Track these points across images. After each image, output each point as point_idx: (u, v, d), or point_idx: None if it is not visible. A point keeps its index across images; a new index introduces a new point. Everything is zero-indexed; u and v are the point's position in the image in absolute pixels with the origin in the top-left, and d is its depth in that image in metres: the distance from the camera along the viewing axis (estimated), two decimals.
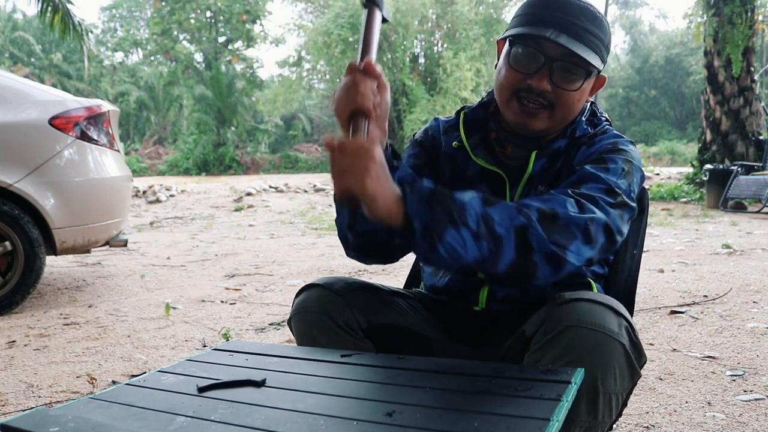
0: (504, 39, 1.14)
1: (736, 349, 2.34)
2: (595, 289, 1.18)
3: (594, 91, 1.18)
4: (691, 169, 10.47)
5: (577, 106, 1.12)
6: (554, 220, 0.93)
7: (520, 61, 1.10)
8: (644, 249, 1.62)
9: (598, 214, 0.96)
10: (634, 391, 1.95)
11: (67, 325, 2.98)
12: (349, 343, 1.10)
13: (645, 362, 1.00)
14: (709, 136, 9.81)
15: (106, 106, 3.65)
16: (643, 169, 1.14)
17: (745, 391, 1.92)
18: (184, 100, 26.18)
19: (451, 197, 0.89)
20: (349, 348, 1.07)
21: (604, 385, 0.92)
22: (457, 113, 1.26)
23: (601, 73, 1.16)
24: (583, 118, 1.18)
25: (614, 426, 1.53)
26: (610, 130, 1.17)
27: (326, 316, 1.10)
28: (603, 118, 1.21)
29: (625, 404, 1.01)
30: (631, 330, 0.97)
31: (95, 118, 3.50)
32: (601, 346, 0.91)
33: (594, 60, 1.07)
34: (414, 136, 1.31)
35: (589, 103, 1.21)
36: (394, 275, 3.98)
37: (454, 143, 1.23)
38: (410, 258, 1.46)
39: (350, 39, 20.56)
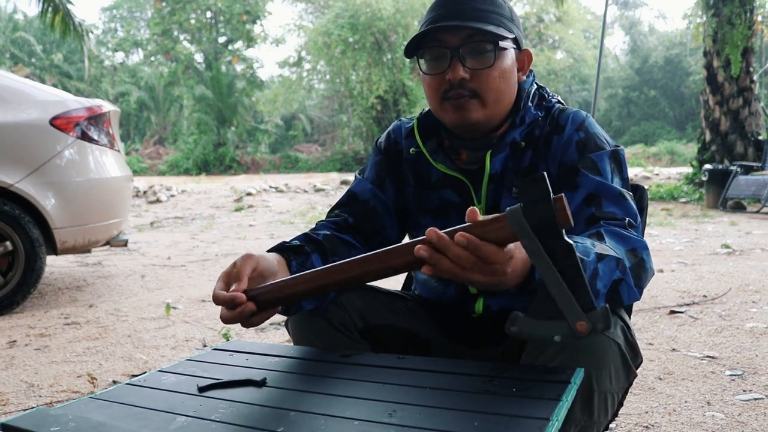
0: (413, 56, 1.15)
1: (736, 349, 2.34)
2: None
3: (524, 69, 1.17)
4: (690, 169, 10.46)
5: (504, 85, 1.10)
6: (641, 266, 0.96)
7: (431, 66, 1.11)
8: None
9: (643, 240, 0.99)
10: (633, 391, 1.96)
11: (68, 324, 2.98)
12: (345, 344, 1.10)
13: (641, 362, 1.00)
14: (708, 137, 9.81)
15: (106, 106, 3.66)
16: (608, 135, 1.16)
17: (744, 390, 1.92)
18: (184, 101, 26.17)
19: (583, 261, 0.86)
20: (344, 349, 1.07)
21: (599, 384, 0.92)
22: (418, 117, 1.26)
23: (524, 48, 1.16)
24: (531, 103, 1.16)
25: (611, 426, 1.52)
26: (566, 110, 1.16)
27: (321, 317, 1.10)
28: (554, 100, 1.20)
29: (621, 404, 1.01)
30: (626, 329, 0.97)
31: (96, 119, 3.50)
32: (596, 345, 0.91)
33: (496, 30, 1.07)
34: (378, 140, 1.30)
35: (535, 87, 1.19)
36: None
37: (411, 149, 1.22)
38: None
39: (350, 39, 20.57)
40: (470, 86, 1.08)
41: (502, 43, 1.08)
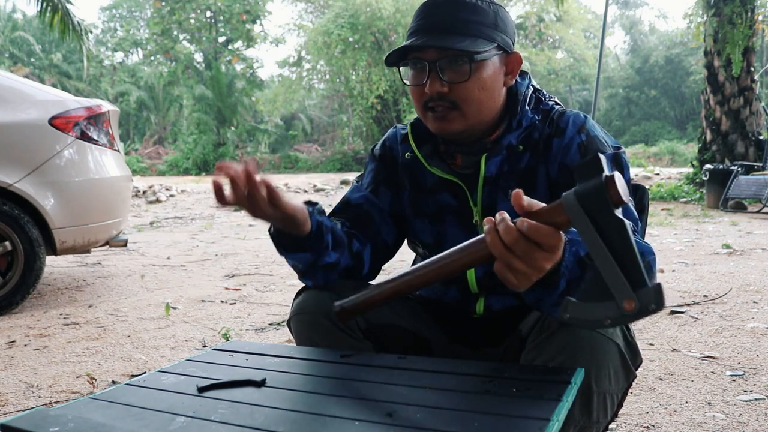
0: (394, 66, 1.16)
1: (736, 349, 2.34)
2: None
3: (513, 73, 1.15)
4: (691, 169, 10.45)
5: (484, 95, 1.10)
6: (649, 268, 0.94)
7: (412, 77, 1.13)
8: None
9: (650, 245, 0.99)
10: (634, 392, 1.95)
11: (67, 325, 2.98)
12: (347, 343, 1.10)
13: (640, 363, 1.00)
14: (709, 136, 9.80)
15: (106, 106, 3.65)
16: (607, 134, 1.16)
17: (745, 391, 1.92)
18: (184, 100, 26.17)
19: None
20: (347, 349, 1.07)
21: (598, 384, 0.92)
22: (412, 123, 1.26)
23: (512, 51, 1.14)
24: (528, 107, 1.16)
25: (611, 426, 1.52)
26: (566, 112, 1.16)
27: (324, 317, 1.10)
28: (551, 102, 1.20)
29: (620, 405, 1.01)
30: (626, 330, 0.97)
31: (95, 118, 3.50)
32: (595, 346, 0.91)
33: (472, 45, 1.06)
34: (373, 148, 1.31)
35: (531, 90, 1.19)
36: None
37: (407, 154, 1.23)
38: (409, 258, 1.46)
39: (350, 39, 20.57)
40: (450, 98, 1.09)
41: (478, 56, 1.07)
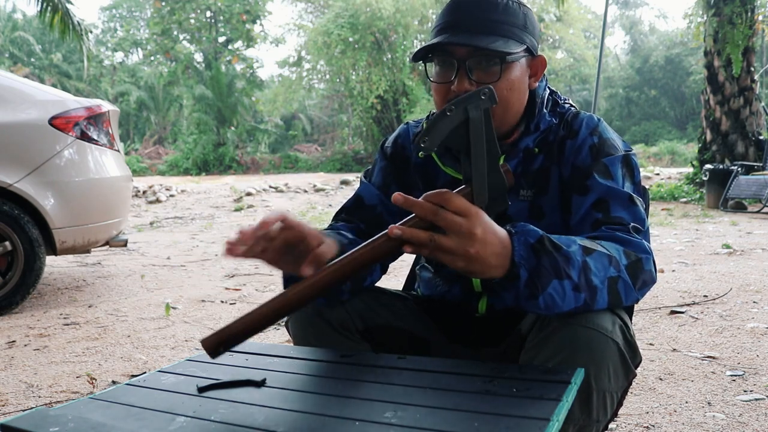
0: (421, 61, 1.15)
1: (736, 349, 2.34)
2: None
3: (537, 75, 1.15)
4: (691, 169, 10.46)
5: (511, 96, 1.10)
6: (638, 266, 0.96)
7: (438, 74, 1.11)
8: None
9: (644, 244, 0.99)
10: (634, 392, 1.95)
11: (67, 325, 2.98)
12: (344, 345, 1.09)
13: (640, 361, 1.01)
14: (709, 136, 9.80)
15: (106, 106, 3.66)
16: (619, 137, 1.16)
17: (745, 391, 1.92)
18: (184, 100, 26.16)
19: (557, 247, 0.89)
20: (345, 350, 1.07)
21: (598, 383, 0.92)
22: (426, 119, 1.25)
23: (537, 55, 1.14)
24: (546, 110, 1.16)
25: (610, 425, 1.52)
26: (580, 115, 1.16)
27: (321, 318, 1.09)
28: (567, 105, 1.20)
29: (620, 403, 1.01)
30: (625, 328, 0.97)
31: (95, 118, 3.50)
32: (594, 344, 0.91)
33: (504, 45, 1.05)
34: (384, 144, 1.29)
35: (548, 92, 1.19)
36: (393, 275, 3.98)
37: (420, 153, 1.22)
38: (409, 258, 1.46)
39: (350, 39, 20.57)
40: None
41: (510, 57, 1.07)
